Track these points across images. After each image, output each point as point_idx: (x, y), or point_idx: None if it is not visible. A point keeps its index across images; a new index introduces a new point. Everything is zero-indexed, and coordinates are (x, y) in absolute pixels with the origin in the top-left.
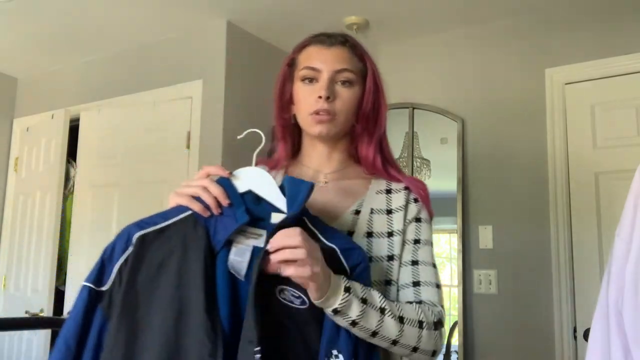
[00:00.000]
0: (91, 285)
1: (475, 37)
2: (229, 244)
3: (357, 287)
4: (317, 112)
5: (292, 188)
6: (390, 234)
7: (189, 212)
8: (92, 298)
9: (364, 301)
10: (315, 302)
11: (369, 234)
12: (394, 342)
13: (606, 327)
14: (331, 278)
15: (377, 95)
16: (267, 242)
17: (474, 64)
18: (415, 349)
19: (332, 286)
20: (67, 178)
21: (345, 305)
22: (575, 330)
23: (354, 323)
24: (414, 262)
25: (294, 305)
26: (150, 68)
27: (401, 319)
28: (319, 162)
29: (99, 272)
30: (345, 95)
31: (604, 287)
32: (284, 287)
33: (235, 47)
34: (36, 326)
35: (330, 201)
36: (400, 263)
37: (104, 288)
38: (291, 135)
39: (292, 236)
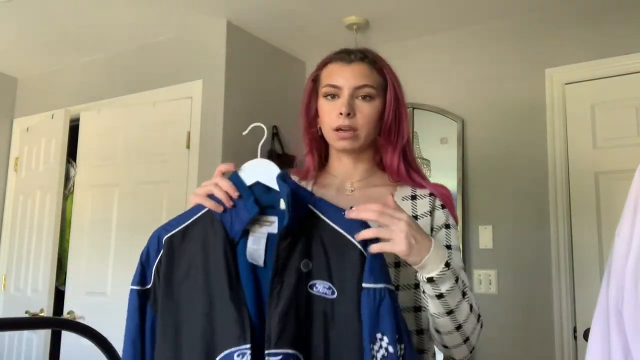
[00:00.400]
0: (137, 287)
1: (475, 37)
2: (246, 233)
3: (454, 262)
4: (338, 129)
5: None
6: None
7: (205, 210)
8: (141, 298)
9: (456, 279)
10: (413, 264)
11: None
12: (459, 327)
13: (606, 327)
14: (432, 245)
15: (398, 106)
16: (278, 227)
17: (474, 64)
18: (466, 340)
19: (433, 254)
20: (67, 178)
21: (441, 277)
22: (575, 330)
23: (440, 295)
24: None
25: (327, 297)
26: (150, 68)
27: (471, 308)
28: (345, 172)
29: (142, 275)
30: (366, 110)
31: (604, 287)
32: (314, 281)
33: (235, 47)
34: (36, 326)
35: None
36: None
37: (148, 287)
38: (318, 148)
39: (371, 210)
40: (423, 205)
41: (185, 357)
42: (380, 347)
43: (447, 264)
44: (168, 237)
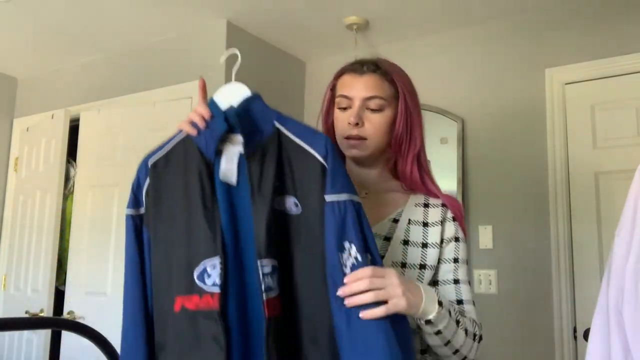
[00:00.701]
0: (132, 212)
1: (475, 37)
2: (220, 153)
3: (444, 299)
4: (348, 137)
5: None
6: (424, 245)
7: (184, 135)
8: (135, 221)
9: (449, 313)
10: (413, 315)
11: (405, 242)
12: (456, 351)
13: (606, 327)
14: (422, 289)
15: (409, 116)
16: (244, 146)
17: (474, 64)
18: (465, 358)
19: (426, 299)
20: (67, 178)
21: (438, 317)
22: (575, 330)
23: (438, 332)
24: (456, 281)
25: (293, 212)
26: (150, 68)
27: (466, 332)
28: (358, 179)
29: (135, 200)
30: (376, 120)
31: (604, 287)
32: (283, 196)
33: (235, 47)
34: (36, 326)
35: (370, 209)
36: (441, 281)
37: (142, 211)
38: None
39: (361, 279)
40: (434, 214)
41: (174, 268)
42: (350, 255)
43: (440, 303)
44: (153, 162)
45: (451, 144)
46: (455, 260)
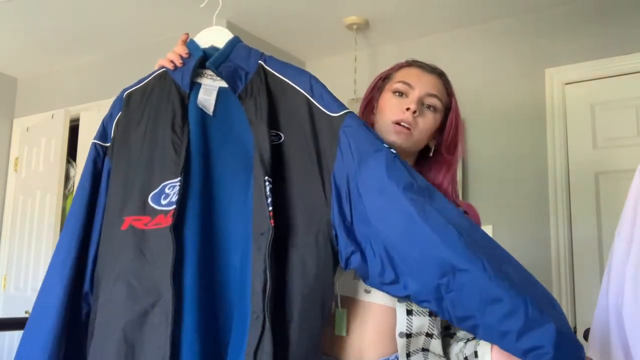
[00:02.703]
0: (98, 142)
1: (475, 37)
2: (194, 85)
3: None
4: (398, 122)
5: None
6: None
7: (162, 70)
8: (99, 152)
9: None
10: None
11: None
12: None
13: (606, 327)
14: None
15: (457, 131)
16: (230, 83)
17: (474, 64)
18: None
19: None
20: (67, 178)
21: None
22: (575, 330)
23: None
24: None
25: (275, 142)
26: (150, 68)
27: None
28: None
29: (103, 132)
30: (428, 117)
31: (604, 287)
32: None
33: None
34: None
35: None
36: None
37: (108, 144)
38: None
39: None
40: None
41: (128, 193)
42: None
43: None
44: (128, 93)
45: None
46: None
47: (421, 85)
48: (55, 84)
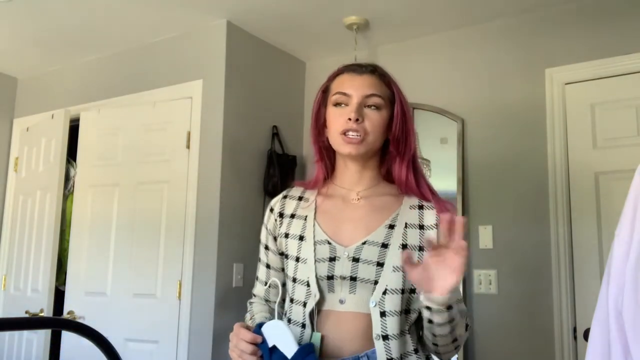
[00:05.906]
0: None
1: (475, 37)
2: None
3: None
4: (345, 133)
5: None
6: (420, 248)
7: None
8: None
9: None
10: (447, 298)
11: (404, 246)
12: (454, 340)
13: (606, 327)
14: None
15: (405, 120)
16: None
17: (474, 64)
18: (457, 347)
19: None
20: (67, 178)
21: (456, 304)
22: (575, 330)
23: (451, 320)
24: None
25: None
26: (150, 68)
27: (466, 326)
28: (351, 180)
29: None
30: (374, 118)
31: (603, 287)
32: None
33: (235, 47)
34: (36, 326)
35: (364, 216)
36: None
37: None
38: (327, 157)
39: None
40: (429, 216)
41: None
42: None
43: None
44: None
45: (451, 144)
46: None
47: (356, 90)
48: (55, 84)
